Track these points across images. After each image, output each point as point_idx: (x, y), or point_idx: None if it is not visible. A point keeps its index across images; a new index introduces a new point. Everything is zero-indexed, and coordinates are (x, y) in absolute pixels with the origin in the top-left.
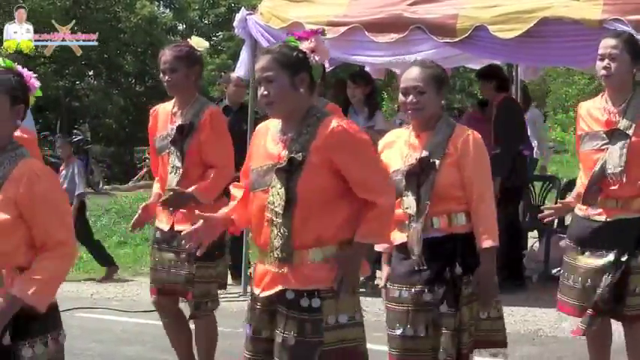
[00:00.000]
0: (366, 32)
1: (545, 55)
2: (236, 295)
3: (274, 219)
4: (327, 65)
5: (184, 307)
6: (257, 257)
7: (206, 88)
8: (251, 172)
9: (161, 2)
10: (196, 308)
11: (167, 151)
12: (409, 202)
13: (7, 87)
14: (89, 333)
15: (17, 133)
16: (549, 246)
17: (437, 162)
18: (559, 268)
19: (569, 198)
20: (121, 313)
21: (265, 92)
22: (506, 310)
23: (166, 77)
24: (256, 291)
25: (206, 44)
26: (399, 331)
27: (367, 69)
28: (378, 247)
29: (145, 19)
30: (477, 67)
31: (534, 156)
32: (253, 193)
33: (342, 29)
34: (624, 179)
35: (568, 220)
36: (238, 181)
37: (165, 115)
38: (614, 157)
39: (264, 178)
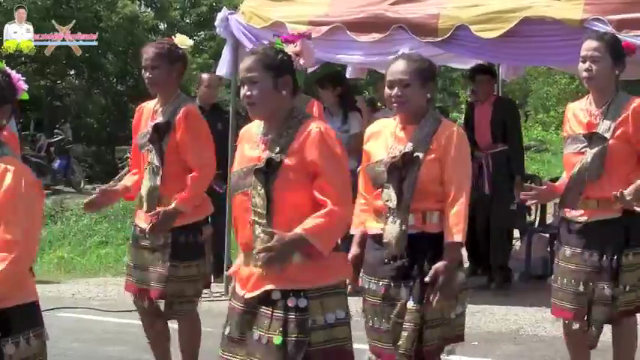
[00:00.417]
0: (347, 32)
1: (527, 54)
2: (218, 295)
3: (257, 220)
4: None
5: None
6: (241, 259)
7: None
8: (232, 174)
9: (142, 2)
10: (168, 308)
11: (146, 148)
12: (389, 194)
13: None
14: (70, 333)
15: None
16: (531, 245)
17: (420, 157)
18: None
19: (557, 183)
20: (103, 313)
21: (248, 93)
22: (487, 309)
23: (147, 74)
24: (241, 292)
25: (190, 42)
26: (369, 321)
27: (349, 68)
28: (352, 230)
29: (126, 18)
30: (459, 66)
31: None
32: (234, 196)
33: (324, 29)
34: (602, 183)
35: (549, 219)
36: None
37: (149, 113)
38: (591, 160)
39: (244, 180)
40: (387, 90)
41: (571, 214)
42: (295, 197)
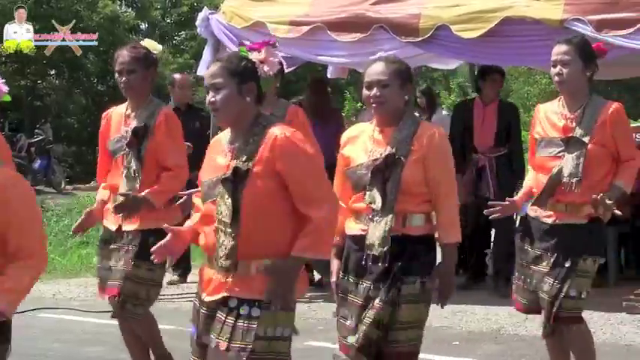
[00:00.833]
0: (328, 32)
1: (507, 54)
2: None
3: (222, 229)
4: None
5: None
6: (204, 261)
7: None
8: (202, 184)
9: (123, 1)
10: (121, 306)
11: (122, 153)
12: (373, 196)
13: None
14: (51, 333)
15: None
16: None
17: (403, 159)
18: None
19: (516, 197)
20: (83, 314)
21: (212, 99)
22: (468, 309)
23: (123, 78)
24: (202, 295)
25: (160, 47)
26: (349, 322)
27: (330, 68)
28: None
29: (106, 18)
30: (440, 66)
31: None
32: (205, 205)
33: (305, 29)
34: (579, 188)
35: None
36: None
37: (119, 118)
38: (570, 165)
39: (213, 190)
40: (365, 91)
41: (537, 212)
42: (264, 205)
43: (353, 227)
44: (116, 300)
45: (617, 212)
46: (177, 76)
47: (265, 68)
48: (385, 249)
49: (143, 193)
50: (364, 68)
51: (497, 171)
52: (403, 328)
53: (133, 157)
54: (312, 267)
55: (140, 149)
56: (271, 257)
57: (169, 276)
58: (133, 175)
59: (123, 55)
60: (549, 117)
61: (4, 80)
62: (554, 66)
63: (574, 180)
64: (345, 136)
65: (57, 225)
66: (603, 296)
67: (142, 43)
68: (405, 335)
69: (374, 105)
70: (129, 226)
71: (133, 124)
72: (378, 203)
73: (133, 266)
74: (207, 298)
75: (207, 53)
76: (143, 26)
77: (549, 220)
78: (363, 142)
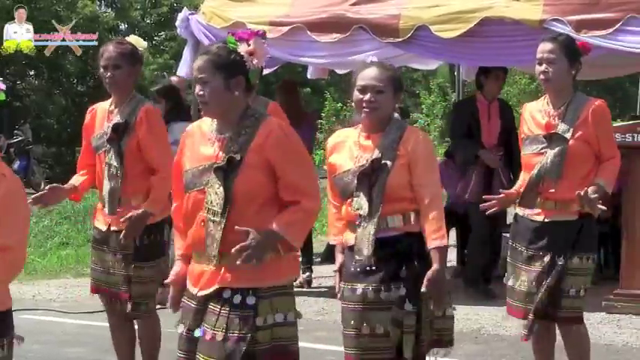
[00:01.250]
0: (308, 32)
1: (487, 54)
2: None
3: (212, 218)
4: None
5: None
6: (193, 257)
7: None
8: (185, 172)
9: (102, 2)
10: (134, 309)
11: (104, 149)
12: (360, 202)
13: None
14: (31, 334)
15: None
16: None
17: (389, 163)
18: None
19: (512, 189)
20: (63, 315)
21: (201, 93)
22: None
23: (108, 73)
24: (194, 290)
25: (145, 44)
26: (353, 331)
27: (310, 69)
28: (331, 241)
29: (86, 18)
30: (420, 67)
31: None
32: (188, 194)
33: (285, 29)
34: (561, 184)
35: (509, 219)
36: None
37: (103, 113)
38: (551, 161)
39: (200, 179)
40: (357, 94)
41: (526, 212)
42: (254, 195)
43: (349, 238)
44: (129, 303)
45: (602, 207)
46: (174, 78)
47: (254, 61)
48: (371, 253)
49: (142, 209)
50: (356, 70)
51: (504, 171)
52: (423, 327)
53: (113, 153)
54: None
55: (120, 145)
56: None
57: None
58: (114, 173)
59: (109, 50)
60: (534, 115)
61: (0, 79)
62: (540, 64)
63: (554, 176)
64: (330, 143)
65: (37, 226)
66: None
67: (127, 39)
68: (425, 335)
69: (366, 110)
70: (119, 226)
71: (115, 120)
72: (365, 209)
73: (134, 269)
74: (199, 293)
75: (187, 53)
76: (123, 27)
77: (539, 218)
78: (348, 149)
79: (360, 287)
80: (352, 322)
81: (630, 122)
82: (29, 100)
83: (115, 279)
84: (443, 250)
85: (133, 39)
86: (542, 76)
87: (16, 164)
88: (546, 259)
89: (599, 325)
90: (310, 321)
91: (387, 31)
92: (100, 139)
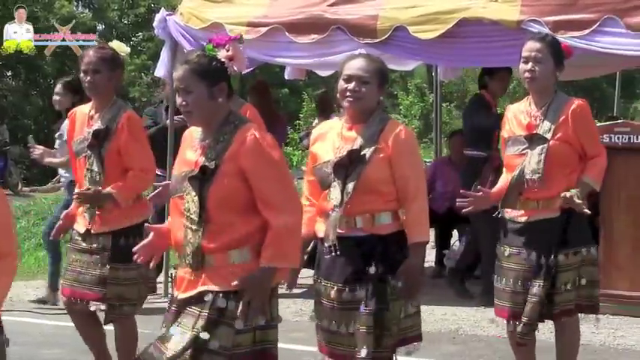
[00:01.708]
0: (286, 33)
1: (464, 55)
2: (157, 297)
3: (189, 226)
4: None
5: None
6: (178, 260)
7: (126, 89)
8: (172, 177)
9: (80, 2)
10: (110, 311)
11: (84, 154)
12: (335, 193)
13: None
14: (8, 336)
15: None
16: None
17: (367, 155)
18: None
19: (493, 190)
20: (40, 316)
21: (184, 102)
22: (426, 309)
23: (88, 78)
24: (176, 293)
25: (127, 50)
26: (324, 323)
27: (287, 69)
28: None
29: (63, 19)
30: (398, 68)
31: None
32: (172, 199)
33: (263, 30)
34: (542, 185)
35: None
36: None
37: (83, 117)
38: (532, 162)
39: (181, 185)
40: (342, 83)
41: (511, 214)
42: (230, 203)
43: (322, 229)
44: (102, 305)
45: (586, 211)
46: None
47: (235, 67)
48: (335, 240)
49: (107, 189)
50: (343, 61)
51: None
52: (389, 329)
53: (94, 158)
54: None
55: (101, 151)
56: (239, 248)
57: None
58: (95, 178)
59: (89, 55)
60: (517, 116)
61: None
62: (526, 62)
63: (536, 176)
64: (315, 133)
65: (13, 227)
66: None
67: (110, 44)
68: (389, 338)
69: (350, 99)
70: (98, 229)
71: (96, 125)
72: (337, 199)
73: (110, 270)
74: (180, 296)
75: (164, 54)
76: (100, 27)
77: (523, 219)
78: (331, 140)
79: (329, 285)
80: (323, 316)
81: (607, 123)
82: (6, 101)
83: (89, 279)
84: (421, 246)
85: (116, 44)
86: (527, 75)
87: None
88: (532, 257)
89: None
90: (288, 322)
91: (365, 31)
92: (80, 144)
